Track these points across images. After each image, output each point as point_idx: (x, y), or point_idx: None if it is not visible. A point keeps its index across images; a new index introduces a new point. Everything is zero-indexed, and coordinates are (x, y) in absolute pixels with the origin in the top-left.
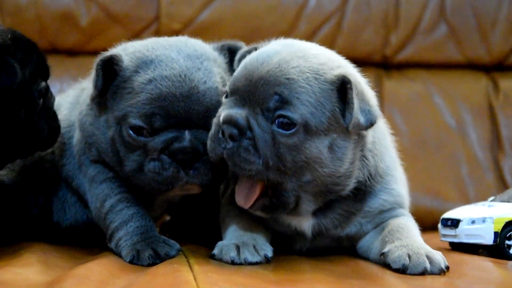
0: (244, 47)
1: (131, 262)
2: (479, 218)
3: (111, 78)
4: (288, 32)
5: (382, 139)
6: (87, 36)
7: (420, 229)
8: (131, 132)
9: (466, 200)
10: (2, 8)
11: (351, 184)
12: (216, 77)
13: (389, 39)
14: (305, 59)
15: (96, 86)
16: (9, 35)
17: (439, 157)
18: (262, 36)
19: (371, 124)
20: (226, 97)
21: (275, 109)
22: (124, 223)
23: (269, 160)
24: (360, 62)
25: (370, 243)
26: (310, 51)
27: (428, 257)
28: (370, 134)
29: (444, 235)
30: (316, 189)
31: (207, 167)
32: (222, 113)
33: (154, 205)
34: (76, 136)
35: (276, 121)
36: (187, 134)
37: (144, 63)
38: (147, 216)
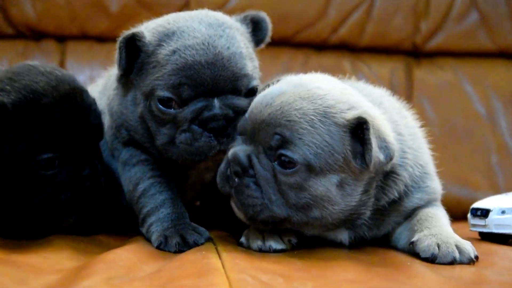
0: (266, 21)
1: (158, 247)
2: (509, 208)
3: (135, 56)
4: (317, 19)
5: (413, 143)
6: (117, 22)
7: (450, 219)
8: (159, 105)
9: (496, 189)
10: None
11: (367, 212)
12: (239, 43)
13: (419, 26)
14: (309, 100)
15: (120, 64)
16: (31, 95)
17: (468, 145)
18: (291, 23)
19: (390, 159)
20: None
21: (277, 148)
22: (156, 208)
23: (271, 196)
24: (389, 50)
25: (399, 232)
26: (317, 92)
27: (457, 246)
28: (391, 164)
29: (474, 225)
30: (327, 223)
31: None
32: (230, 150)
33: (186, 188)
34: (106, 122)
35: (277, 160)
36: (216, 102)
37: (166, 36)
38: (179, 202)
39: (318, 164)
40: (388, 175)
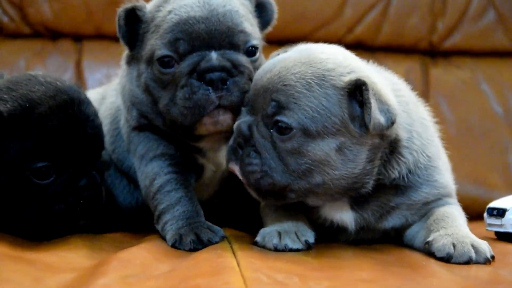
0: (271, 2)
1: (173, 246)
2: None
3: (137, 28)
4: (333, 18)
5: (423, 131)
6: None
7: (467, 218)
8: (159, 66)
9: None
10: None
11: (371, 182)
12: (236, 4)
13: (436, 26)
14: (308, 64)
15: (120, 33)
16: (27, 104)
17: (485, 145)
18: (307, 22)
19: (392, 122)
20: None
21: (273, 115)
22: (171, 206)
23: (271, 162)
24: (406, 49)
25: (415, 231)
26: (318, 55)
27: (473, 246)
28: (395, 133)
29: (490, 225)
30: (330, 190)
31: (239, 89)
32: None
33: (203, 186)
34: (123, 115)
35: (274, 127)
36: (213, 53)
37: (165, 1)
38: (195, 200)
39: (315, 127)
40: (393, 152)
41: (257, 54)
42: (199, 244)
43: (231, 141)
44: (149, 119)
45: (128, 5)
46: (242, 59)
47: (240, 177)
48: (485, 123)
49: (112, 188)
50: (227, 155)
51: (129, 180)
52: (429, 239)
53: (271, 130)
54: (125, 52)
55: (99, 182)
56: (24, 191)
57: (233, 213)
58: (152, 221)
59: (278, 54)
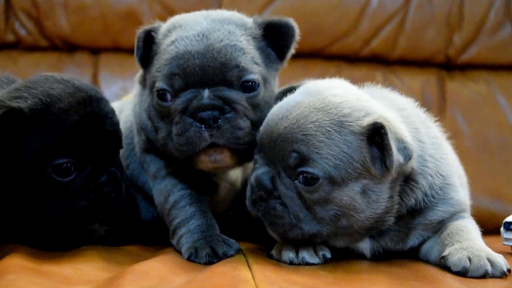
0: (288, 25)
1: (189, 259)
2: None
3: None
4: (349, 31)
5: (435, 151)
6: None
7: (482, 232)
8: (157, 98)
9: None
10: (68, 6)
11: (392, 218)
12: (237, 37)
13: (452, 39)
14: (325, 111)
15: (137, 55)
16: (48, 99)
17: (502, 158)
18: (323, 35)
19: (409, 159)
20: (256, 151)
21: (295, 166)
22: (186, 220)
23: (298, 214)
24: (422, 62)
25: (429, 246)
26: (332, 100)
27: (489, 259)
28: (410, 167)
29: (507, 239)
30: (354, 232)
31: (232, 126)
32: (253, 174)
33: (218, 200)
34: (135, 133)
35: (299, 178)
36: (206, 92)
37: (173, 27)
38: (209, 214)
39: (339, 175)
40: (407, 181)
41: (257, 89)
42: (214, 258)
43: (249, 192)
44: (155, 146)
45: (147, 26)
46: (235, 96)
47: (270, 230)
48: (501, 137)
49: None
50: (249, 206)
51: (144, 195)
52: (445, 253)
53: (295, 182)
54: (140, 71)
55: (119, 178)
56: (46, 188)
57: (247, 226)
58: (167, 235)
59: (284, 92)
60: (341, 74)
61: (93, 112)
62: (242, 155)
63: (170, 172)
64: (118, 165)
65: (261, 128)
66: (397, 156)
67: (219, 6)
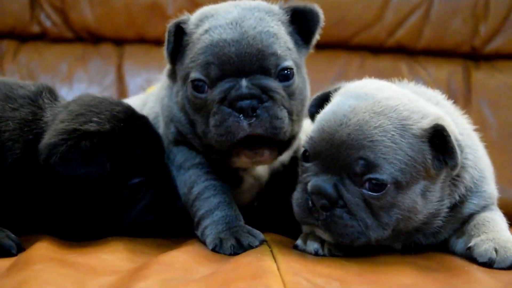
0: (313, 12)
1: (213, 250)
2: None
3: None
4: (374, 22)
5: (471, 143)
6: None
7: (509, 223)
8: (193, 90)
9: None
10: None
11: (440, 221)
12: (268, 23)
13: (478, 29)
14: (385, 115)
15: (167, 49)
16: (122, 124)
17: None
18: (348, 26)
19: (462, 156)
20: (306, 159)
21: (363, 173)
22: (210, 211)
23: (367, 221)
24: (447, 53)
25: (456, 237)
26: (388, 103)
27: None
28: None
29: None
30: (406, 232)
31: (270, 115)
32: (309, 182)
33: (243, 191)
34: (161, 124)
35: (366, 185)
36: (243, 81)
37: (205, 17)
38: (233, 205)
39: (405, 179)
40: (454, 177)
41: (292, 79)
42: (239, 249)
43: (300, 197)
44: (186, 138)
45: (177, 19)
46: (273, 84)
47: (329, 238)
48: None
49: None
50: (302, 214)
51: None
52: (471, 244)
53: (362, 189)
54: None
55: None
56: (120, 206)
57: (272, 217)
58: (190, 226)
59: (328, 95)
60: (366, 65)
61: (152, 131)
62: (280, 147)
63: (195, 163)
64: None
65: (314, 135)
66: (460, 156)
67: None
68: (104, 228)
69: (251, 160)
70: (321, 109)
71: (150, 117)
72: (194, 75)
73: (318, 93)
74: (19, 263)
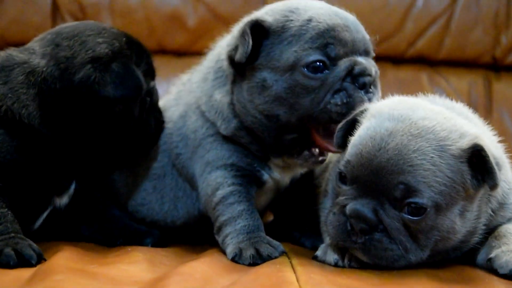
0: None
1: (233, 259)
2: None
3: (258, 40)
4: (394, 32)
5: (499, 156)
6: (194, 37)
7: None
8: (308, 72)
9: None
10: (114, 9)
11: (477, 239)
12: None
13: (499, 39)
14: (423, 137)
15: (245, 51)
16: (124, 39)
17: None
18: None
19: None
20: (343, 181)
21: (402, 198)
22: (233, 219)
23: (406, 245)
24: (468, 63)
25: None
26: (424, 123)
27: None
28: None
29: None
30: (443, 252)
31: (378, 89)
32: (347, 205)
33: (260, 194)
34: (193, 122)
35: (405, 209)
36: (361, 58)
37: (291, 11)
38: (256, 214)
39: (444, 201)
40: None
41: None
42: (259, 259)
43: (339, 223)
44: (251, 131)
45: (250, 19)
46: (374, 64)
47: (367, 260)
48: None
49: (174, 201)
50: (339, 236)
51: (191, 186)
52: (491, 255)
53: (402, 213)
54: (219, 67)
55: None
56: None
57: (290, 228)
58: (208, 231)
59: (352, 122)
60: (386, 76)
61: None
62: None
63: (226, 164)
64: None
65: (351, 159)
66: (499, 175)
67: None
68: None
69: (317, 159)
70: (350, 136)
71: (174, 118)
72: (312, 57)
73: (342, 122)
74: (40, 273)
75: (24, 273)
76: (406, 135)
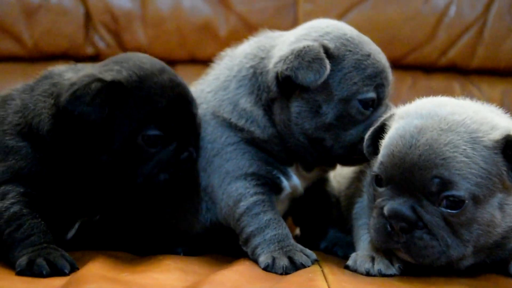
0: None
1: (265, 269)
2: None
3: None
4: (426, 41)
5: None
6: (225, 46)
7: None
8: (360, 106)
9: None
10: (145, 19)
11: None
12: None
13: None
14: (453, 131)
15: (322, 76)
16: (142, 73)
17: None
18: (399, 45)
19: None
20: (379, 183)
21: (439, 192)
22: (261, 229)
23: (447, 240)
24: (501, 72)
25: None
26: (453, 118)
27: None
28: None
29: None
30: (485, 248)
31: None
32: (385, 206)
33: (277, 200)
34: (210, 132)
35: (443, 203)
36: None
37: (348, 41)
38: (283, 223)
39: (481, 193)
40: None
41: None
42: (292, 268)
43: (377, 223)
44: (285, 140)
45: (313, 43)
46: None
47: (410, 259)
48: None
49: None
50: (382, 239)
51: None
52: None
53: (440, 208)
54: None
55: (195, 158)
56: (134, 155)
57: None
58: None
59: (379, 130)
60: (417, 85)
61: (181, 92)
62: None
63: (247, 173)
64: (195, 145)
65: (384, 160)
66: None
67: (295, 17)
68: (119, 180)
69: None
70: (378, 143)
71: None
72: (370, 95)
73: (370, 129)
74: (73, 282)
75: (57, 282)
76: (436, 130)
